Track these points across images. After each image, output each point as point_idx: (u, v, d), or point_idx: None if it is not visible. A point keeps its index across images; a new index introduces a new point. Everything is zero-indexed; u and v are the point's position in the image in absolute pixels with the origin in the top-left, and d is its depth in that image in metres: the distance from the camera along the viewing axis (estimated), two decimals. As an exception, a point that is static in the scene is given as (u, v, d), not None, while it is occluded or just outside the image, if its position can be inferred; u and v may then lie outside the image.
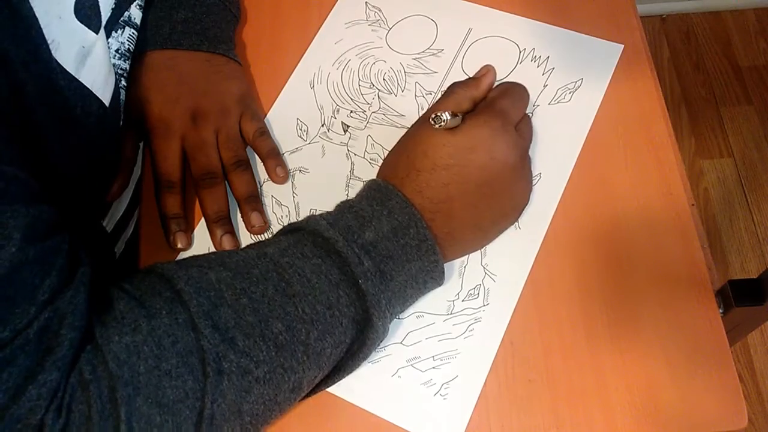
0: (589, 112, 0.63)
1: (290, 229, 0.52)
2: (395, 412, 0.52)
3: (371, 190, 0.53)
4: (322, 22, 0.70)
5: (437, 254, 0.51)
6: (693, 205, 0.59)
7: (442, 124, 0.52)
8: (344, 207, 0.52)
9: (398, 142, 0.57)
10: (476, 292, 0.56)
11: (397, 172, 0.53)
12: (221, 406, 0.43)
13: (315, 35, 0.69)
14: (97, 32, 0.50)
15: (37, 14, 0.42)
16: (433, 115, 0.52)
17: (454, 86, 0.57)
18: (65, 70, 0.47)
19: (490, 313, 0.55)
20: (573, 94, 0.64)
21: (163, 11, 0.63)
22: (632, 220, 0.58)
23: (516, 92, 0.58)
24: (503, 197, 0.55)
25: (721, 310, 0.55)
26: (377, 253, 0.49)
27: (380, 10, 0.71)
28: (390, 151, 0.57)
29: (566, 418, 0.51)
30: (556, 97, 0.64)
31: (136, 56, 0.61)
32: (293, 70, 0.67)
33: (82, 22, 0.48)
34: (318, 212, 0.59)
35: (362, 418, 0.52)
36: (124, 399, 0.40)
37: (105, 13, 0.53)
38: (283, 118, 0.65)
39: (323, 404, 0.52)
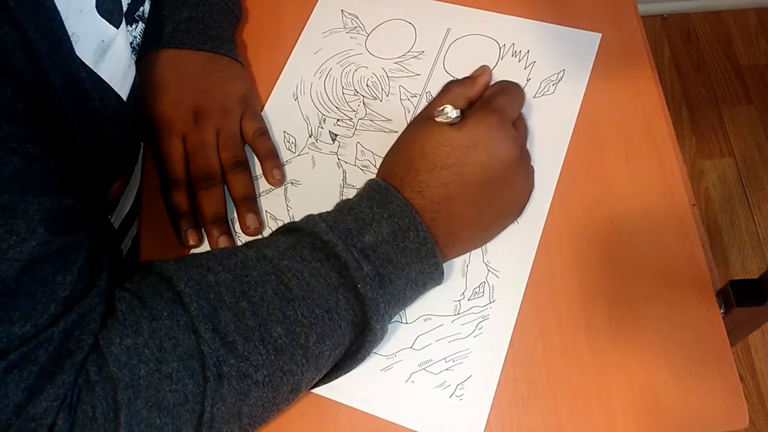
0: (574, 102, 0.63)
1: (288, 229, 0.52)
2: (413, 418, 0.51)
3: (371, 190, 0.53)
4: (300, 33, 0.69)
5: (437, 257, 0.51)
6: (694, 205, 0.59)
7: (446, 117, 0.52)
8: (344, 208, 0.52)
9: (396, 141, 0.56)
10: (481, 290, 0.56)
11: (396, 172, 0.53)
12: (221, 409, 0.43)
13: (293, 47, 0.68)
14: (117, 27, 0.50)
15: (58, 6, 0.42)
16: (438, 108, 0.52)
17: (450, 84, 0.58)
18: (84, 63, 0.47)
19: (497, 309, 0.55)
20: (557, 86, 0.64)
21: (166, 10, 0.63)
22: (633, 220, 0.58)
23: (512, 90, 0.58)
24: (504, 194, 0.55)
25: (722, 311, 0.55)
26: (376, 257, 0.49)
27: (357, 17, 0.70)
28: (389, 150, 0.57)
29: (567, 419, 0.51)
30: (540, 90, 0.64)
31: (139, 54, 0.61)
32: (276, 82, 0.67)
33: (103, 16, 0.48)
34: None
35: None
36: (124, 402, 0.40)
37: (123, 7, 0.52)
38: (270, 131, 0.64)
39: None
